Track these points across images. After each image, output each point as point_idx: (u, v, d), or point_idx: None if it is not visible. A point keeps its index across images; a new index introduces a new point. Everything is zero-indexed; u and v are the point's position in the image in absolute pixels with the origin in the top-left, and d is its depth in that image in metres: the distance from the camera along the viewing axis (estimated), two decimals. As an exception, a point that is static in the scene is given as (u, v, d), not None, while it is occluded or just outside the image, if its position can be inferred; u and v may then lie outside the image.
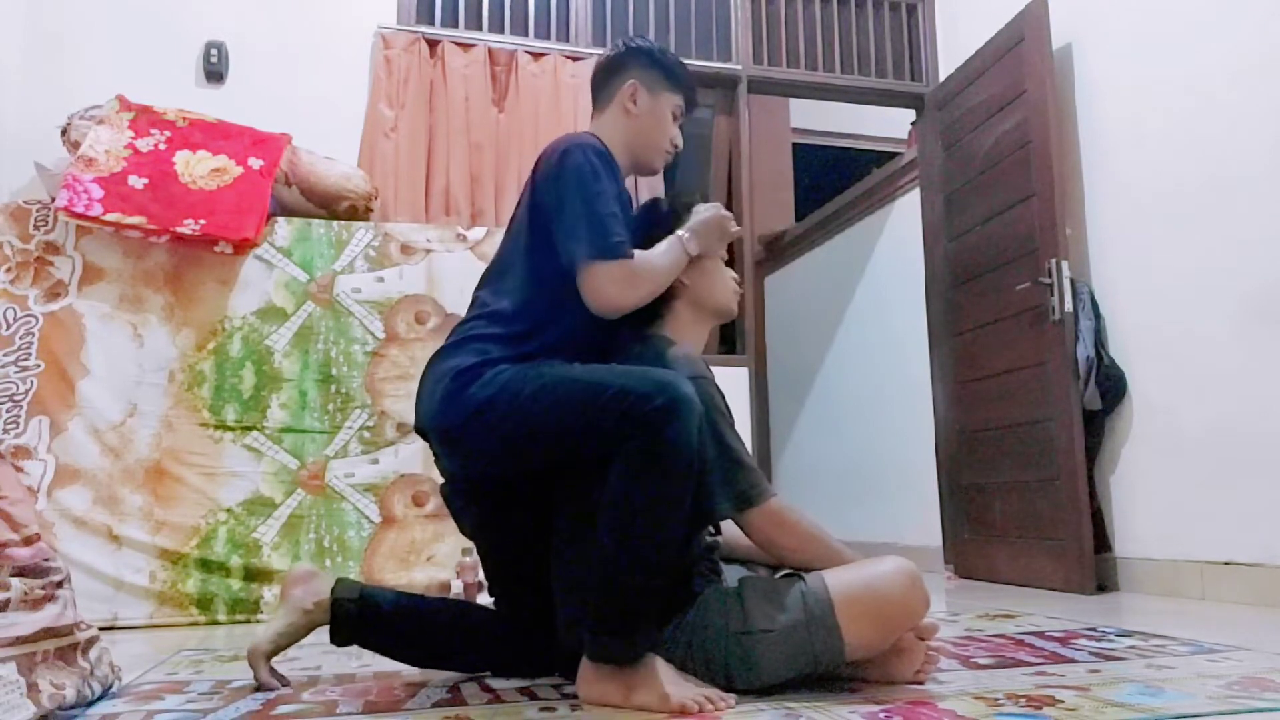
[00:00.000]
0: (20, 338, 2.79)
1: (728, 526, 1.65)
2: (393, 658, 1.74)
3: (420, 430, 1.70)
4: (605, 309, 1.59)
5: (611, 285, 1.57)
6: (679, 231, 1.69)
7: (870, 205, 4.98)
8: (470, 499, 1.70)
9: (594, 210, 1.58)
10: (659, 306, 1.71)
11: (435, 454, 1.70)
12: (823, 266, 5.46)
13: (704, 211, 1.74)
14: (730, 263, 1.85)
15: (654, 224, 1.73)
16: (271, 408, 2.93)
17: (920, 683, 1.52)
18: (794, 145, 5.80)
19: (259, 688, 1.62)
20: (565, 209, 1.60)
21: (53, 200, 2.88)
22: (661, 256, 1.65)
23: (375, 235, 3.14)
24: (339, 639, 1.64)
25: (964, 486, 3.81)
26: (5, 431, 2.70)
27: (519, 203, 1.74)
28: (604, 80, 1.82)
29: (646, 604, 1.44)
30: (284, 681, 1.66)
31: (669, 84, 1.80)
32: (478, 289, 1.74)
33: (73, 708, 1.44)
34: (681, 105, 1.82)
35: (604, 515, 1.42)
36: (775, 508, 1.52)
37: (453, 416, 1.57)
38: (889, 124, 5.07)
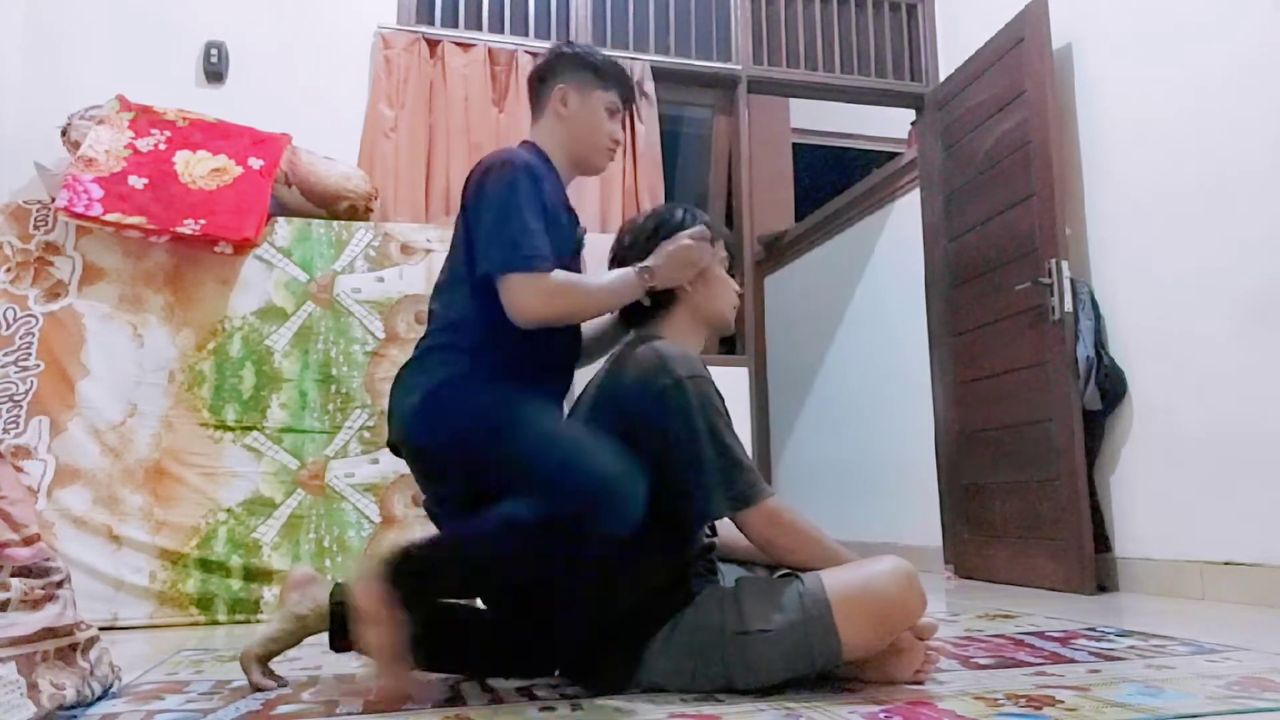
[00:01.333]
0: (20, 338, 2.80)
1: (725, 526, 1.65)
2: None
3: (394, 445, 1.71)
4: (524, 320, 1.60)
5: (527, 297, 1.59)
6: (641, 264, 1.68)
7: (870, 205, 4.98)
8: (450, 513, 1.71)
9: (509, 225, 1.60)
10: (657, 310, 1.71)
11: (412, 468, 1.71)
12: (823, 267, 5.46)
13: (669, 245, 1.71)
14: (731, 266, 1.85)
15: (657, 232, 1.74)
16: (271, 408, 2.93)
17: (920, 683, 1.52)
18: (794, 145, 5.80)
19: (256, 690, 1.62)
20: (481, 225, 1.64)
21: (53, 200, 2.88)
22: (603, 281, 1.67)
23: (375, 235, 3.14)
24: (336, 645, 1.63)
25: (964, 486, 3.81)
26: (5, 431, 2.70)
27: (459, 216, 1.76)
28: (537, 89, 1.86)
29: (444, 582, 1.55)
30: (280, 682, 1.66)
31: (598, 82, 1.82)
32: (431, 302, 1.76)
33: (73, 708, 1.44)
34: (616, 101, 1.85)
35: (499, 518, 1.46)
36: (772, 507, 1.52)
37: (427, 438, 1.61)
38: (889, 124, 5.07)
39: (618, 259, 1.77)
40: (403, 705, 1.48)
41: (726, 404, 1.59)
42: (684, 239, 1.71)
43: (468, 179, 1.73)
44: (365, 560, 1.64)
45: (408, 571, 1.51)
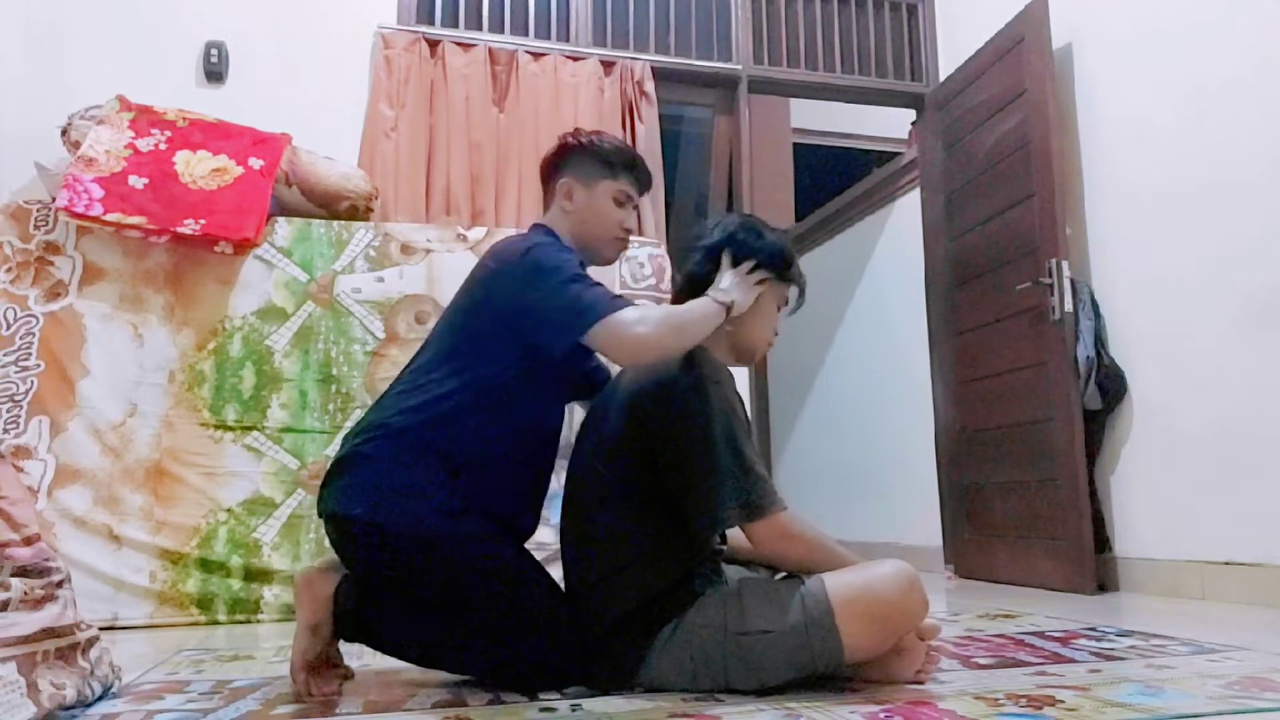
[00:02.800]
0: (20, 338, 2.79)
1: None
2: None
3: (326, 515, 1.63)
4: (635, 354, 1.56)
5: (640, 328, 1.53)
6: (721, 294, 1.63)
7: (870, 205, 4.98)
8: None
9: (581, 283, 1.58)
10: None
11: (331, 538, 1.65)
12: (823, 267, 5.45)
13: (750, 276, 1.68)
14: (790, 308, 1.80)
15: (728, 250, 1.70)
16: (272, 408, 2.93)
17: (921, 683, 1.52)
18: (794, 145, 5.80)
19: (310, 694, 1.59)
20: (549, 296, 1.58)
21: (53, 200, 2.88)
22: (695, 311, 1.62)
23: (375, 235, 3.14)
24: (342, 636, 1.64)
25: (964, 486, 3.81)
26: (5, 431, 2.70)
27: (471, 299, 1.70)
28: (546, 179, 1.84)
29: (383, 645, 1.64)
30: (346, 673, 1.69)
31: (605, 171, 1.78)
32: (413, 369, 1.71)
33: (73, 707, 1.44)
34: (626, 189, 1.80)
35: (458, 630, 1.56)
36: (784, 521, 1.50)
37: (374, 543, 1.57)
38: (889, 124, 5.07)
39: (689, 276, 1.72)
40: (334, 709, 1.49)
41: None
42: (752, 276, 1.67)
43: (492, 257, 1.69)
44: (320, 570, 1.63)
45: (351, 623, 1.60)
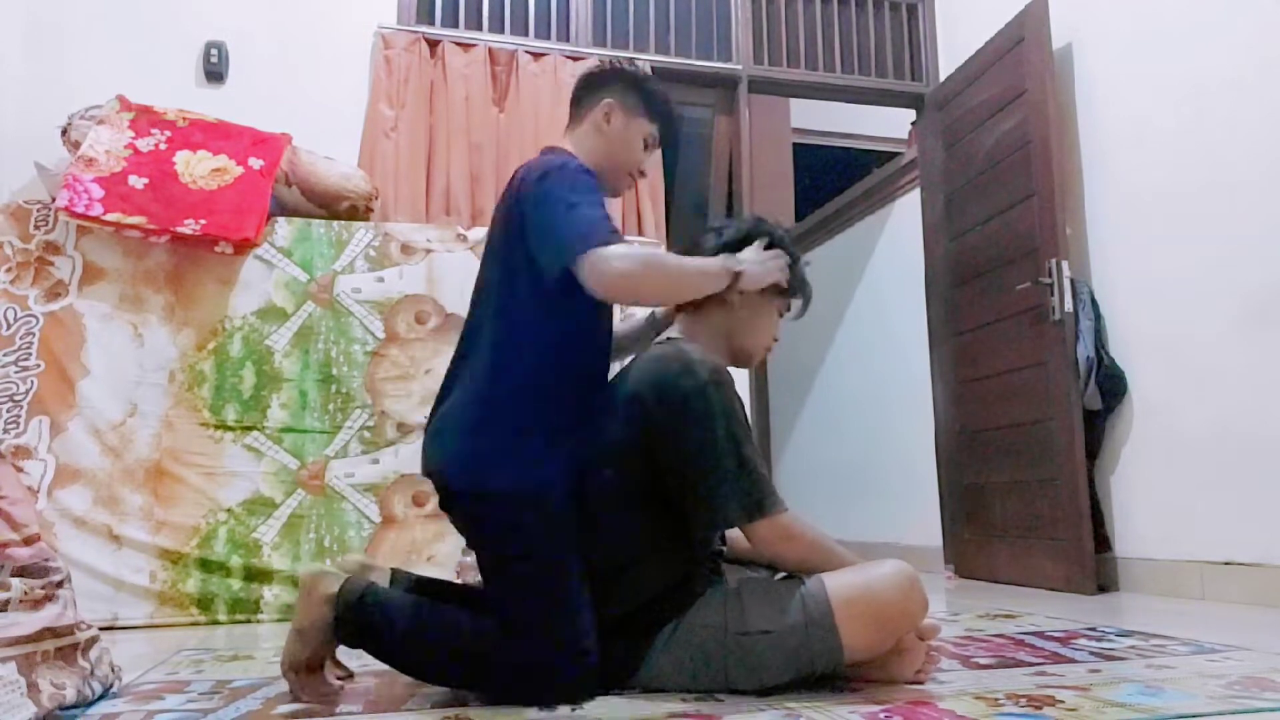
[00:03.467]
0: (20, 338, 2.79)
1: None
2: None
3: (431, 473, 1.63)
4: (613, 290, 1.54)
5: (622, 263, 1.50)
6: (739, 257, 1.63)
7: (870, 205, 4.98)
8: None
9: (581, 210, 1.55)
10: (691, 307, 1.70)
11: (443, 503, 1.66)
12: (823, 267, 5.42)
13: (766, 253, 1.68)
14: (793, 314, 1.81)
15: (751, 238, 1.71)
16: (272, 408, 2.93)
17: (921, 683, 1.52)
18: (794, 145, 5.80)
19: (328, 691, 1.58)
20: (554, 219, 1.56)
21: (53, 200, 2.88)
22: (694, 261, 1.62)
23: (375, 235, 3.14)
24: (344, 640, 1.61)
25: (964, 486, 3.81)
26: (5, 431, 2.70)
27: (504, 223, 1.68)
28: (582, 94, 1.80)
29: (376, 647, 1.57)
30: (346, 674, 1.69)
31: (646, 111, 1.78)
32: (470, 318, 1.70)
33: (73, 707, 1.44)
34: (655, 135, 1.81)
35: (467, 627, 1.52)
36: (785, 522, 1.50)
37: (483, 501, 1.56)
38: (889, 124, 5.07)
39: (701, 248, 1.73)
40: (334, 709, 1.49)
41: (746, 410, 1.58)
42: (781, 257, 1.67)
43: (514, 186, 1.67)
44: (323, 572, 1.61)
45: (350, 619, 1.54)
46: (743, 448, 1.50)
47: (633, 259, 1.52)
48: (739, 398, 1.56)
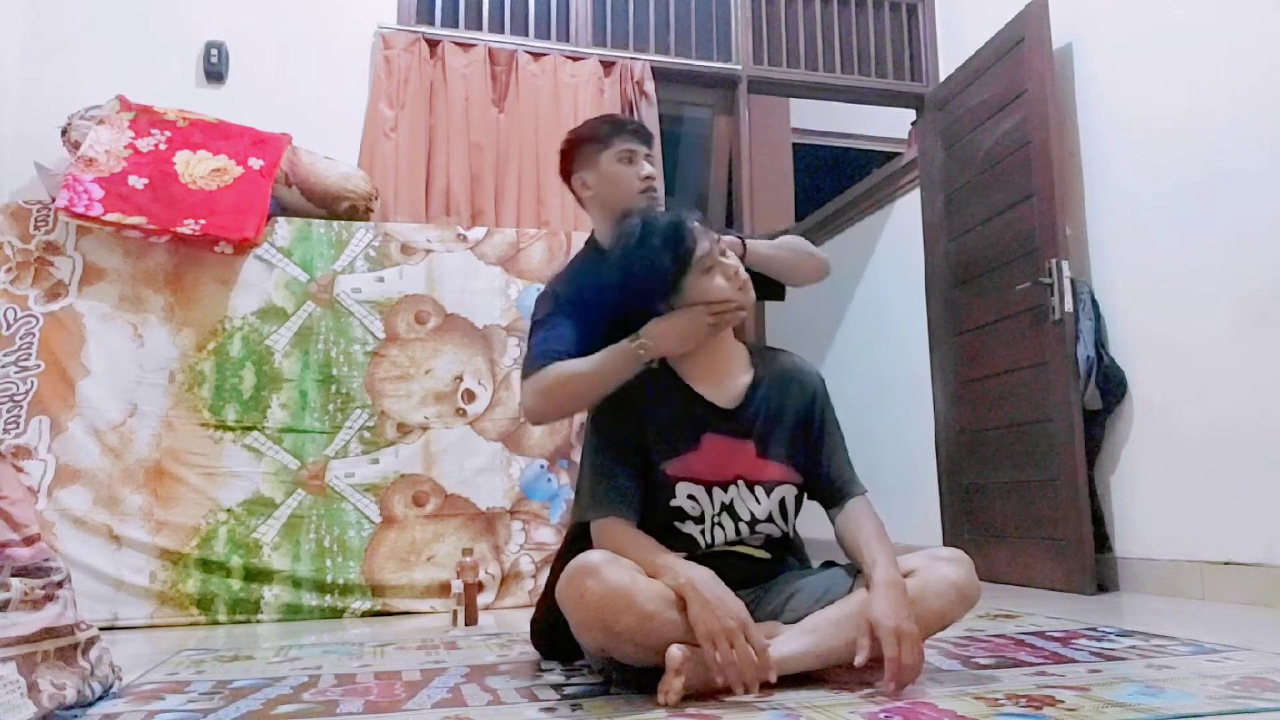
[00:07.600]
0: (20, 338, 2.80)
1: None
2: None
3: None
4: (533, 422, 1.86)
5: (527, 401, 1.73)
6: (637, 338, 1.60)
7: (870, 205, 4.97)
8: None
9: (529, 344, 1.79)
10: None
11: None
12: (823, 266, 5.45)
13: (677, 316, 1.61)
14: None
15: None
16: (272, 408, 2.93)
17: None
18: (794, 145, 5.80)
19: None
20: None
21: (53, 200, 2.88)
22: (595, 364, 1.64)
23: (375, 235, 3.14)
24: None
25: (964, 486, 3.81)
26: (5, 431, 2.70)
27: None
28: (569, 184, 2.00)
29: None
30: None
31: (599, 146, 1.91)
32: None
33: (73, 707, 1.44)
34: (625, 147, 1.91)
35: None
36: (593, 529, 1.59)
37: None
38: (889, 124, 5.06)
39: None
40: None
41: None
42: (700, 312, 1.59)
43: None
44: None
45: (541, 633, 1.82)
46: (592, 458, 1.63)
47: (534, 392, 1.71)
48: (616, 415, 1.63)
